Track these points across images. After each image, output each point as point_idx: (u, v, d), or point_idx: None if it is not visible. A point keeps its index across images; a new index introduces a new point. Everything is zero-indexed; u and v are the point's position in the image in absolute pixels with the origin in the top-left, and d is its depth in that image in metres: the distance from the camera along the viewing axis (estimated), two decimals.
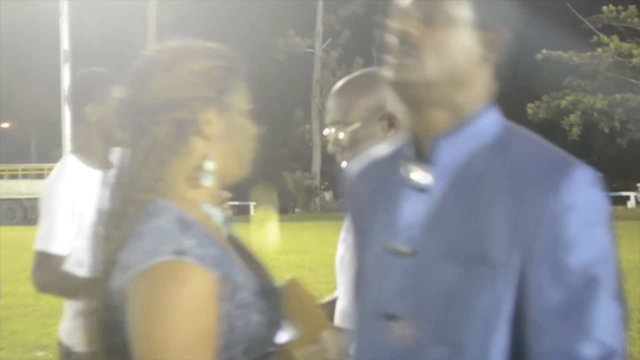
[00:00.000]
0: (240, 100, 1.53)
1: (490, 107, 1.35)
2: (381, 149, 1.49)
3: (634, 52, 27.79)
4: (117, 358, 1.43)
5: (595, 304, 1.19)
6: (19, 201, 29.02)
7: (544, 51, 28.24)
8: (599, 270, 1.20)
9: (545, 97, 30.00)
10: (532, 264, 1.20)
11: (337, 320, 1.99)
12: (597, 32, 28.69)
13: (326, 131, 2.09)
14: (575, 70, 29.64)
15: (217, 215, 1.52)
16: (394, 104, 1.88)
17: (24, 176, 29.70)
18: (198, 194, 1.49)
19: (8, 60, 38.48)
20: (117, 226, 1.44)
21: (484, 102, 1.35)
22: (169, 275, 1.34)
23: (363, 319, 1.38)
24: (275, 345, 1.49)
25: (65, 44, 25.94)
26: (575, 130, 28.96)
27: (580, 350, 1.17)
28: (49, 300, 8.86)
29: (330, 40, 37.32)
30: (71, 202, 2.83)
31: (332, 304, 2.06)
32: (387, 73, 1.32)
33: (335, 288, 2.14)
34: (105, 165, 2.92)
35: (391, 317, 1.29)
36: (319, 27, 37.42)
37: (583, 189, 1.22)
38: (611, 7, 28.34)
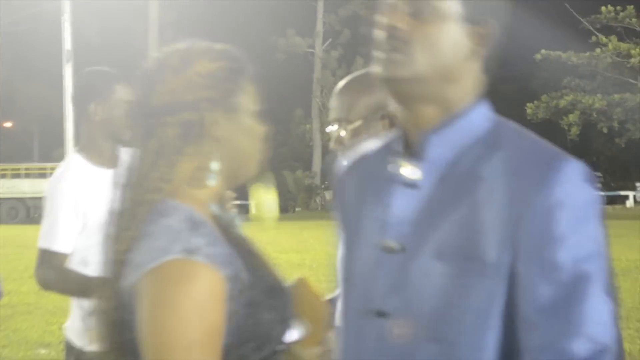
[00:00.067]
0: (247, 101, 1.53)
1: (480, 102, 1.34)
2: (370, 144, 1.47)
3: (633, 52, 27.69)
4: (127, 357, 1.44)
5: (586, 300, 1.17)
6: (21, 200, 28.87)
7: (542, 51, 28.25)
8: (589, 266, 1.18)
9: (544, 97, 29.96)
10: (522, 260, 1.19)
11: (337, 319, 2.05)
12: (595, 32, 28.59)
13: (329, 128, 2.12)
14: (574, 71, 29.64)
15: (226, 214, 1.55)
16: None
17: (27, 175, 29.49)
18: (206, 194, 1.50)
19: (10, 60, 38.31)
20: (126, 227, 1.45)
21: (474, 96, 1.33)
22: (178, 273, 1.34)
23: (352, 316, 1.35)
24: (284, 344, 1.49)
25: (67, 43, 26.01)
26: (574, 130, 28.94)
27: (571, 346, 1.16)
28: (52, 299, 8.85)
29: (330, 40, 37.32)
30: (74, 201, 2.83)
31: (332, 302, 2.13)
32: (376, 68, 1.31)
33: (335, 287, 2.21)
34: (109, 163, 2.93)
35: (381, 314, 1.28)
36: (320, 27, 37.40)
37: (574, 184, 1.20)
38: (610, 7, 28.25)
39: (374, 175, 1.39)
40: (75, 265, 2.86)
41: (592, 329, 1.16)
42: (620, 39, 28.43)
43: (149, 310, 1.35)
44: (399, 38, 1.28)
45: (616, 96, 28.49)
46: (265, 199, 2.14)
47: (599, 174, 37.16)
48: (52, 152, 38.56)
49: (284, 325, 1.49)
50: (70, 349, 2.90)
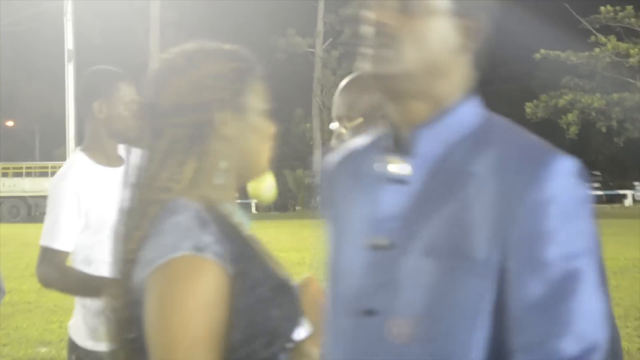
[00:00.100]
0: (256, 100, 1.54)
1: (470, 97, 1.30)
2: (359, 140, 1.46)
3: (631, 52, 27.76)
4: (137, 355, 1.44)
5: (575, 297, 1.14)
6: (23, 199, 28.83)
7: (542, 51, 28.31)
8: (580, 263, 1.15)
9: (543, 97, 30.03)
10: (512, 257, 1.16)
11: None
12: (594, 32, 28.66)
13: (332, 125, 2.14)
14: (573, 70, 29.64)
15: (235, 213, 1.54)
16: None
17: (28, 174, 29.43)
18: (216, 192, 1.50)
19: (12, 59, 38.36)
20: (136, 226, 1.46)
21: (464, 91, 1.30)
22: (186, 269, 1.36)
23: (339, 315, 1.32)
24: (293, 341, 1.49)
25: (69, 43, 26.10)
26: (573, 129, 28.99)
27: (560, 345, 1.13)
28: (52, 297, 8.87)
29: (331, 39, 37.35)
30: (76, 199, 2.82)
31: None
32: (365, 65, 1.28)
33: None
34: (113, 162, 2.93)
35: (370, 312, 1.25)
36: (320, 27, 37.44)
37: (564, 180, 1.18)
38: (609, 7, 28.32)
39: (363, 171, 1.36)
40: (78, 263, 2.87)
41: (582, 327, 1.14)
42: (619, 39, 28.47)
43: (156, 305, 1.36)
44: (387, 34, 1.25)
45: (615, 95, 28.51)
46: (262, 178, 2.17)
47: (597, 172, 36.98)
48: (54, 151, 38.75)
49: (293, 323, 1.49)
50: (73, 347, 2.91)
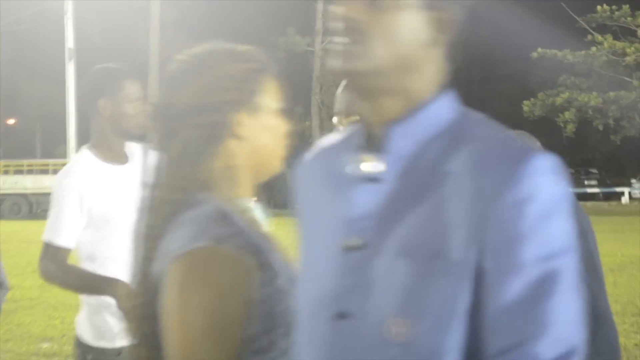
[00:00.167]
0: (271, 99, 1.55)
1: (444, 92, 1.26)
2: (330, 138, 1.43)
3: (628, 50, 27.75)
4: (158, 349, 1.43)
5: (553, 299, 1.10)
6: (24, 196, 28.79)
7: (539, 50, 28.31)
8: (557, 263, 1.12)
9: (540, 95, 30.06)
10: (489, 257, 1.12)
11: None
12: (591, 31, 28.66)
13: (334, 119, 2.22)
14: (570, 69, 29.65)
15: (253, 209, 1.55)
16: None
17: (29, 171, 29.30)
18: (232, 191, 1.51)
19: (13, 58, 38.38)
20: (154, 225, 1.47)
21: (438, 86, 1.26)
22: (205, 259, 1.36)
23: (311, 318, 1.28)
24: None
25: (69, 41, 26.24)
26: (570, 128, 28.94)
27: (537, 348, 1.09)
28: (54, 293, 9.08)
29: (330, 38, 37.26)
30: (79, 196, 2.84)
31: None
32: (334, 61, 1.24)
33: None
34: (119, 159, 2.96)
35: (341, 315, 1.21)
36: (319, 26, 37.55)
37: (541, 178, 1.13)
38: (605, 6, 28.29)
39: (335, 170, 1.32)
40: (83, 260, 2.91)
41: (560, 330, 1.10)
42: (616, 38, 28.46)
43: (173, 293, 1.37)
44: (356, 29, 1.21)
45: (611, 94, 28.50)
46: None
47: (594, 170, 36.99)
48: (54, 148, 38.86)
49: None
50: (77, 343, 2.94)
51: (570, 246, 1.14)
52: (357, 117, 2.04)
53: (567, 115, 28.98)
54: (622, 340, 6.28)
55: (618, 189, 33.38)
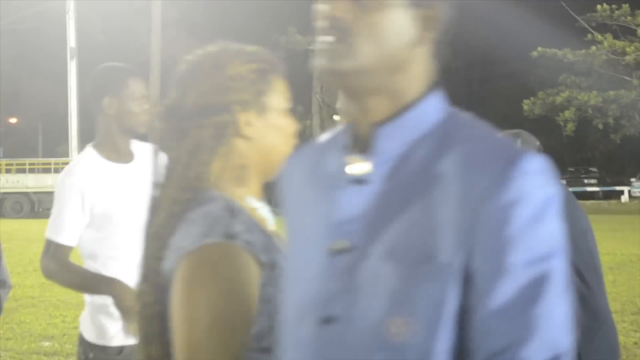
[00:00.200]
0: (279, 100, 1.56)
1: (432, 92, 1.23)
2: (317, 139, 1.41)
3: (627, 49, 27.66)
4: (168, 347, 1.43)
5: (541, 303, 1.09)
6: (26, 195, 28.65)
7: (539, 49, 28.22)
8: (546, 267, 1.10)
9: (540, 94, 30.00)
10: (477, 261, 1.10)
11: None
12: (591, 30, 28.60)
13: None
14: (570, 68, 29.57)
15: (262, 208, 1.56)
16: None
17: (31, 170, 29.21)
18: (241, 190, 1.53)
19: (15, 57, 38.40)
20: (164, 224, 1.47)
21: (425, 86, 1.23)
22: (216, 255, 1.36)
23: (297, 322, 1.25)
24: None
25: (71, 40, 26.33)
26: (570, 126, 28.88)
27: (525, 352, 1.08)
28: (56, 292, 9.25)
29: None
30: (80, 196, 2.84)
31: None
32: (319, 61, 1.21)
33: None
34: (124, 158, 2.97)
35: (327, 320, 1.18)
36: None
37: (531, 180, 1.11)
38: (605, 5, 28.23)
39: (320, 172, 1.30)
40: (85, 258, 2.92)
41: (548, 334, 1.09)
42: (616, 37, 28.38)
43: (183, 288, 1.37)
44: (341, 28, 1.19)
45: (611, 93, 28.42)
46: None
47: (594, 169, 36.84)
48: (56, 147, 38.92)
49: None
50: (81, 341, 2.94)
51: (559, 249, 1.12)
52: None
53: (567, 114, 28.90)
54: (621, 338, 6.25)
55: (618, 188, 33.33)
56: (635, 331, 7.29)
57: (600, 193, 33.88)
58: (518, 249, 1.09)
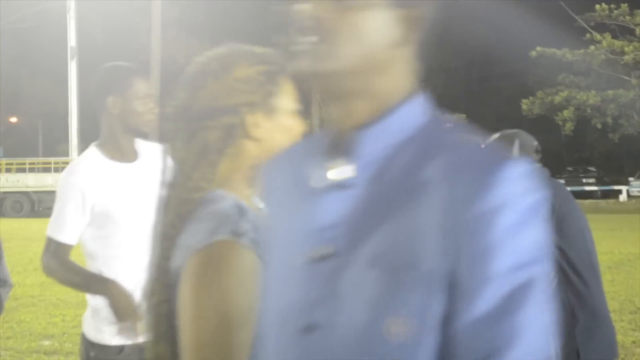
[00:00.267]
0: (287, 101, 1.57)
1: (415, 94, 1.20)
2: (297, 143, 1.40)
3: (626, 49, 27.69)
4: (177, 346, 1.42)
5: (524, 310, 1.07)
6: (26, 194, 28.61)
7: (538, 48, 28.24)
8: (529, 274, 1.08)
9: (539, 93, 30.00)
10: (461, 268, 1.08)
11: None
12: (590, 29, 28.61)
13: None
14: (568, 67, 29.56)
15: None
16: None
17: (31, 169, 29.13)
18: (248, 190, 1.54)
19: (16, 56, 38.44)
20: (172, 224, 1.48)
21: (409, 87, 1.20)
22: (223, 253, 1.37)
23: (278, 331, 1.22)
24: None
25: (72, 40, 26.39)
26: (569, 126, 28.88)
27: None
28: (56, 291, 9.25)
29: None
30: (81, 195, 2.84)
31: None
32: (300, 62, 1.18)
33: None
34: (127, 157, 2.96)
35: (309, 329, 1.16)
36: None
37: (515, 186, 1.09)
38: (604, 5, 28.26)
39: (300, 177, 1.26)
40: (86, 257, 2.92)
41: (530, 341, 1.06)
42: (614, 37, 28.40)
43: (190, 285, 1.37)
44: (322, 28, 1.16)
45: (610, 92, 28.44)
46: None
47: (592, 168, 36.84)
48: (56, 146, 38.96)
49: None
50: (83, 339, 2.95)
51: (542, 256, 1.10)
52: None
53: (566, 113, 28.91)
54: (619, 337, 6.40)
55: (616, 187, 33.41)
56: (634, 330, 7.31)
57: (599, 192, 33.95)
58: (501, 256, 1.07)
